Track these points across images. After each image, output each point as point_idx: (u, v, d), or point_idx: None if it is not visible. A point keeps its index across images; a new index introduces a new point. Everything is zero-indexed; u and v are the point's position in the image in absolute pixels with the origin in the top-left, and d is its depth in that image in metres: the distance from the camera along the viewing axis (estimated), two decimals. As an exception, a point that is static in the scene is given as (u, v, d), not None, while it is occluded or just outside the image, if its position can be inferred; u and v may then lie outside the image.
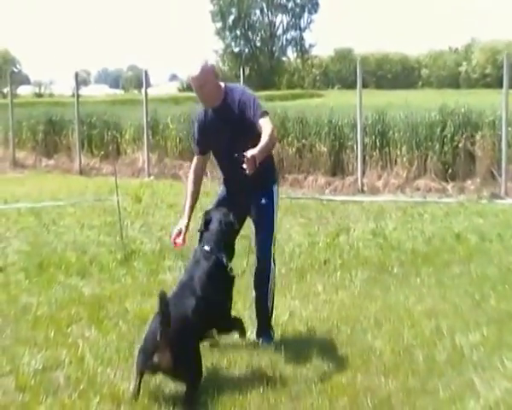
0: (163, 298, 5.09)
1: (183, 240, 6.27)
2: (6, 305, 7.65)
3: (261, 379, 5.49)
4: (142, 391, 5.28)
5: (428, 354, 6.00)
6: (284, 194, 15.70)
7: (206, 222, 6.11)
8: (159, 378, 5.46)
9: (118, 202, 10.23)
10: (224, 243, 6.01)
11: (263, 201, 6.32)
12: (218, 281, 5.80)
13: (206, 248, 5.95)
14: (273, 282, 6.43)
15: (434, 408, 4.93)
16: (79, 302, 7.71)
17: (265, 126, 6.03)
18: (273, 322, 6.67)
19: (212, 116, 6.33)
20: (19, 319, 7.16)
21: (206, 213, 6.19)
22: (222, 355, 6.02)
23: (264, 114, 6.17)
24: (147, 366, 5.21)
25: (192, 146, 6.55)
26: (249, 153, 5.63)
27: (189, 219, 6.38)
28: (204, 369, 5.41)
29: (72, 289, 8.32)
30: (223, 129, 6.23)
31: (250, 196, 6.33)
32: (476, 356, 5.96)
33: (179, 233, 6.31)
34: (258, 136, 5.93)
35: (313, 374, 5.59)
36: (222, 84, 6.27)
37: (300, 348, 6.14)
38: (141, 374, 5.25)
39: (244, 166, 5.63)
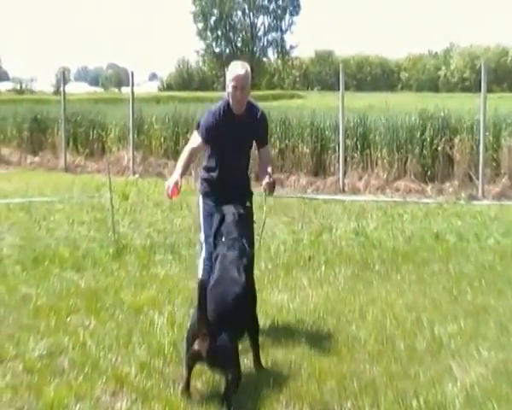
0: (202, 288, 5.18)
1: (178, 191, 6.27)
2: (7, 295, 7.98)
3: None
4: (144, 372, 5.68)
5: (409, 344, 6.40)
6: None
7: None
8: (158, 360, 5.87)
9: (111, 198, 10.52)
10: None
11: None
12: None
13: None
14: None
15: (415, 390, 5.32)
16: (76, 294, 8.03)
17: (267, 155, 6.86)
18: (259, 313, 7.08)
19: (231, 118, 6.51)
20: (20, 308, 7.48)
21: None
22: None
23: (267, 143, 6.90)
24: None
25: (199, 132, 6.54)
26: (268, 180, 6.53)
27: (182, 175, 6.41)
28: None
29: (69, 281, 8.63)
30: (236, 134, 6.51)
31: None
32: (454, 345, 6.38)
33: (175, 185, 6.25)
34: (249, 156, 6.79)
35: (302, 360, 5.98)
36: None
37: (289, 336, 6.53)
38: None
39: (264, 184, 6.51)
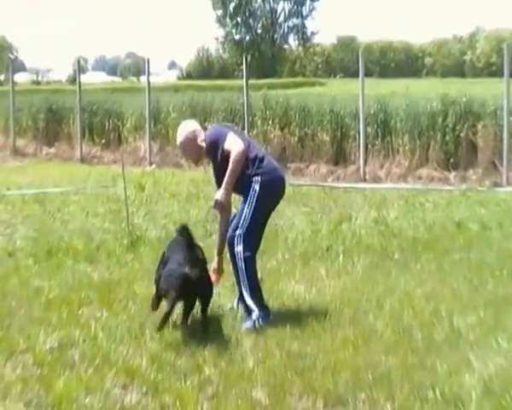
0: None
1: (216, 278, 6.96)
2: (18, 288, 7.88)
3: (269, 356, 5.78)
4: (155, 365, 5.61)
5: (427, 334, 6.24)
6: (286, 182, 15.87)
7: None
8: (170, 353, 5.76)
9: (125, 190, 10.43)
10: None
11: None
12: None
13: None
14: (245, 270, 6.66)
15: (432, 382, 5.16)
16: (89, 286, 7.93)
17: (231, 154, 6.68)
18: (275, 304, 7.07)
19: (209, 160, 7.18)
20: (32, 300, 7.39)
21: None
22: (229, 333, 6.30)
23: (228, 141, 6.75)
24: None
25: None
26: (214, 197, 6.73)
27: (219, 259, 7.10)
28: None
29: (82, 273, 8.54)
30: (213, 170, 6.97)
31: None
32: (473, 336, 6.20)
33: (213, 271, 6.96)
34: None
35: (317, 351, 5.85)
36: (203, 137, 6.90)
37: (305, 328, 6.39)
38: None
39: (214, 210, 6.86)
